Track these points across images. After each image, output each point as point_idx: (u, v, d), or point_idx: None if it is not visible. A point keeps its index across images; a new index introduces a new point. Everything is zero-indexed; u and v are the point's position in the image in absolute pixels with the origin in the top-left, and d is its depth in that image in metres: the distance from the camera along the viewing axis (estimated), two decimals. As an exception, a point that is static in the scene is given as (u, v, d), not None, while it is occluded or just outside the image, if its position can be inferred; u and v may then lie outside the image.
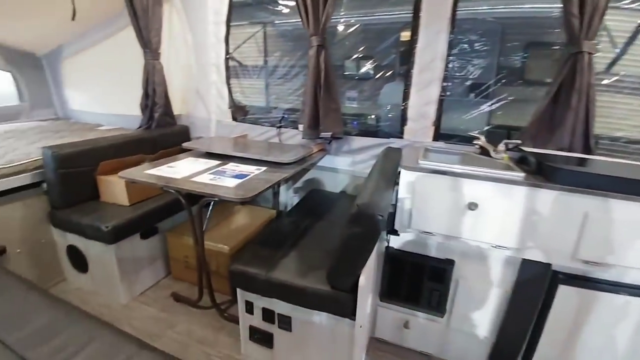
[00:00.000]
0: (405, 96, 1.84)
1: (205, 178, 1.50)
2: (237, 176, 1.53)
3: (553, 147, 1.46)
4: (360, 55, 2.18)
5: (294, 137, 2.18)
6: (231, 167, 1.68)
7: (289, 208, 2.33)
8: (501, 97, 1.80)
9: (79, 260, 1.90)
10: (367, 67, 2.18)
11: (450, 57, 1.74)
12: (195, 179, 1.49)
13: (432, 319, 1.49)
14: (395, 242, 1.45)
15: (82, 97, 3.05)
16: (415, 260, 1.42)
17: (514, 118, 1.79)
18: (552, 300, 1.25)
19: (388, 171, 1.39)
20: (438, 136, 1.82)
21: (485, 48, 1.81)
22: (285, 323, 1.36)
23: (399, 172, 1.36)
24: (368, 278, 1.24)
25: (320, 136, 1.95)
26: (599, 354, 1.27)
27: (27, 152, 1.91)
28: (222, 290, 1.86)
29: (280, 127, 2.21)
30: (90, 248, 1.82)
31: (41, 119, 3.05)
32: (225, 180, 1.48)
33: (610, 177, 1.10)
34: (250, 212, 2.26)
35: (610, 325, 1.23)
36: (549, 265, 1.24)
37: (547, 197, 1.16)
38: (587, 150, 1.43)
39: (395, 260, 1.45)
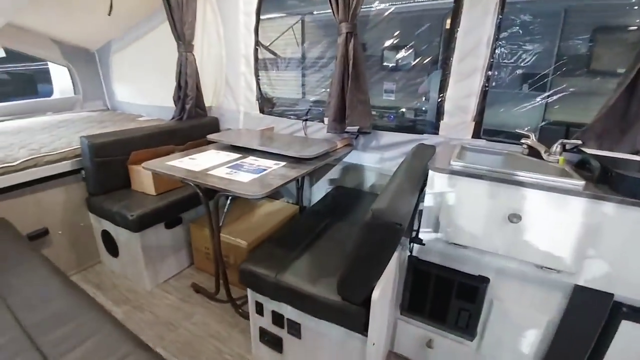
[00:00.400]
0: (442, 88, 1.65)
1: (221, 172, 1.47)
2: (253, 171, 1.48)
3: (624, 150, 1.21)
4: (395, 42, 1.99)
5: (321, 130, 2.07)
6: (250, 161, 1.63)
7: (312, 203, 2.25)
8: (559, 88, 1.53)
9: (111, 245, 2.00)
10: (402, 55, 1.99)
11: (499, 42, 1.51)
12: (212, 172, 1.46)
13: (459, 342, 1.32)
14: (419, 252, 1.29)
15: (128, 89, 3.22)
16: (443, 274, 1.26)
17: (574, 113, 1.52)
18: (612, 337, 1.03)
19: (415, 172, 1.24)
20: (479, 133, 1.61)
21: (542, 31, 1.54)
22: (295, 329, 1.28)
23: (428, 173, 1.20)
24: (384, 291, 1.11)
25: (346, 130, 1.82)
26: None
27: (70, 141, 2.03)
28: (240, 285, 1.83)
29: (306, 120, 2.12)
30: (120, 234, 1.90)
31: (92, 110, 3.28)
32: (241, 174, 1.43)
33: None
34: (273, 207, 2.21)
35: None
36: (610, 295, 1.01)
37: (613, 213, 0.94)
38: (671, 155, 1.16)
39: (419, 272, 1.30)
